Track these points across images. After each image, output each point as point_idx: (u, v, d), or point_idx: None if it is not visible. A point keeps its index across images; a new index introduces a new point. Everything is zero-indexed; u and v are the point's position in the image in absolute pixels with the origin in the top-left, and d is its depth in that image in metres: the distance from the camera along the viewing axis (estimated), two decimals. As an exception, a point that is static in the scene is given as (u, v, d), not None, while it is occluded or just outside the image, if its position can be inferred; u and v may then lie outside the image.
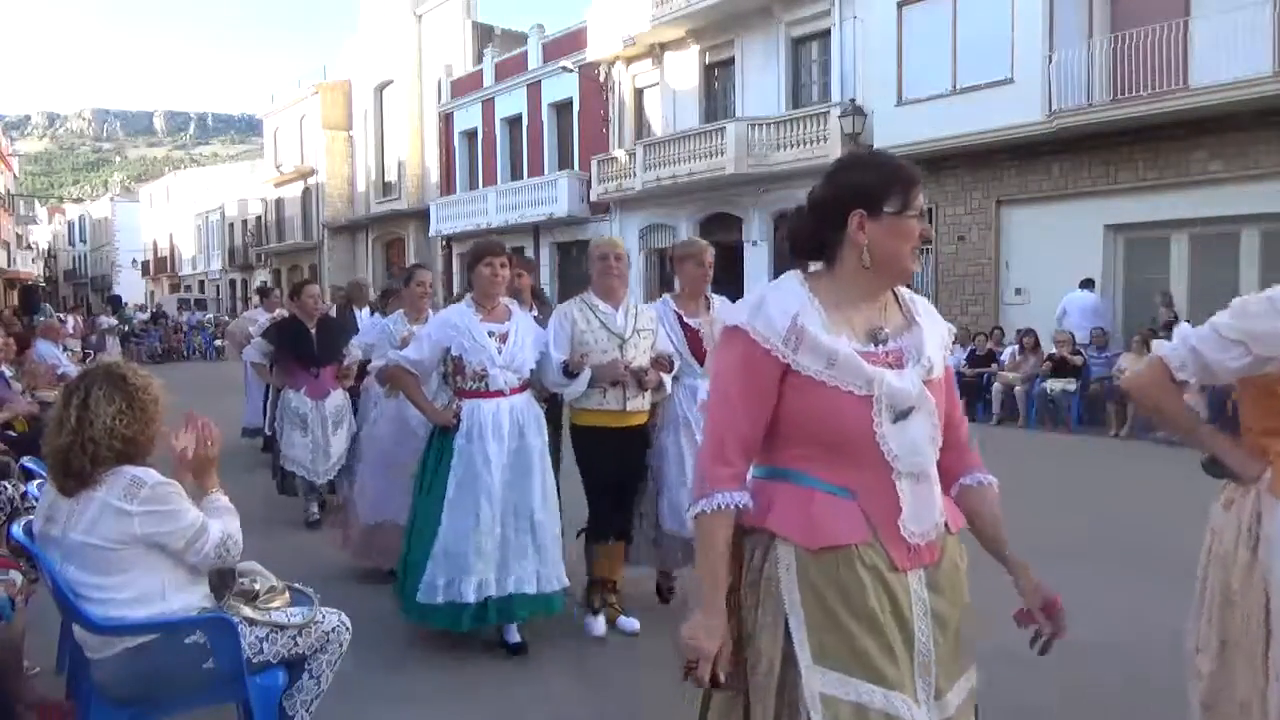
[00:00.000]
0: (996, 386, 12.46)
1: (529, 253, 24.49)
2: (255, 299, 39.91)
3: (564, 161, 23.83)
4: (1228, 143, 11.83)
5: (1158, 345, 2.38)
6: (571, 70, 22.65)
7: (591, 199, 22.04)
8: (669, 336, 4.19)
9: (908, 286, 1.91)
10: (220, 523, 2.59)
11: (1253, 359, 2.10)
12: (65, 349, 14.40)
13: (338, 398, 6.32)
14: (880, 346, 1.73)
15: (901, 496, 1.69)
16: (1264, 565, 2.11)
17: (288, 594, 2.78)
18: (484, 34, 27.93)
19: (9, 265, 37.04)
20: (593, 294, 4.12)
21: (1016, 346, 12.80)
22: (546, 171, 24.02)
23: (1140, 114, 12.16)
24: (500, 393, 3.82)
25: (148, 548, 2.46)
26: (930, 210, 15.75)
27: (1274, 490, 2.13)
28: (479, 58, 27.20)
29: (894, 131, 15.14)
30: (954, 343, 14.73)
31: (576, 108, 23.22)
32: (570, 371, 3.90)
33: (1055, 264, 13.57)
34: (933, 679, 1.70)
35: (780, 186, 17.72)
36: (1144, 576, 4.87)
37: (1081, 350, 12.01)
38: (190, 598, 2.56)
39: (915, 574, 1.70)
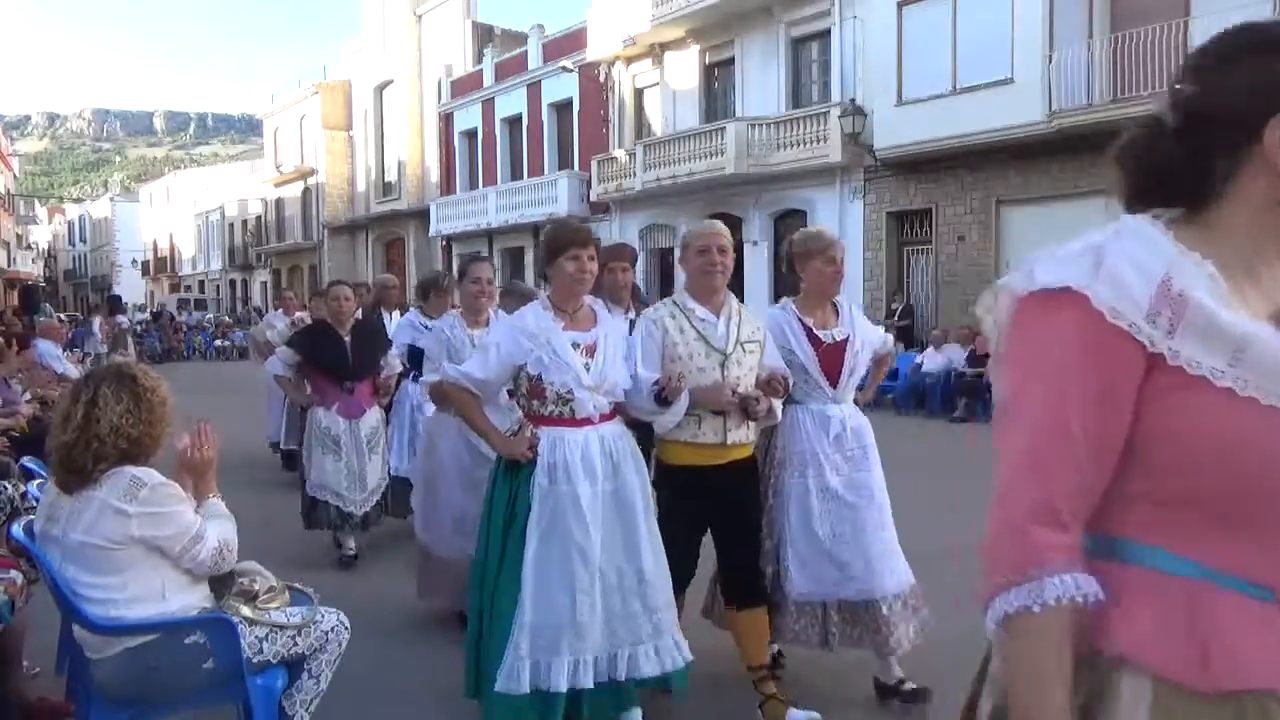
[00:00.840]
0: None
1: (528, 254, 24.51)
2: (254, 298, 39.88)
3: (564, 161, 23.83)
4: (1228, 143, 11.82)
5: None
6: (571, 70, 22.66)
7: (591, 199, 22.04)
8: (796, 351, 3.39)
9: None
10: (217, 529, 2.59)
11: None
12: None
13: (374, 417, 5.46)
14: None
15: None
16: None
17: (287, 594, 2.78)
18: (484, 34, 27.94)
19: (9, 265, 37.06)
20: (688, 295, 3.31)
21: (1016, 347, 12.77)
22: (546, 171, 24.03)
23: (1140, 114, 12.08)
24: (588, 420, 3.01)
25: (147, 549, 2.46)
26: (930, 210, 15.77)
27: None
28: (479, 58, 27.21)
29: (894, 131, 15.16)
30: (955, 343, 14.56)
31: (576, 108, 23.22)
32: (664, 397, 3.07)
33: (1055, 264, 13.56)
34: None
35: (780, 186, 17.75)
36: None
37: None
38: (190, 598, 2.56)
39: None
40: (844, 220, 16.45)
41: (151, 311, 33.62)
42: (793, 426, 3.40)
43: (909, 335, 14.77)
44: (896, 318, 15.00)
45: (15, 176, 46.03)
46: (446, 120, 28.38)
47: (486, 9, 32.20)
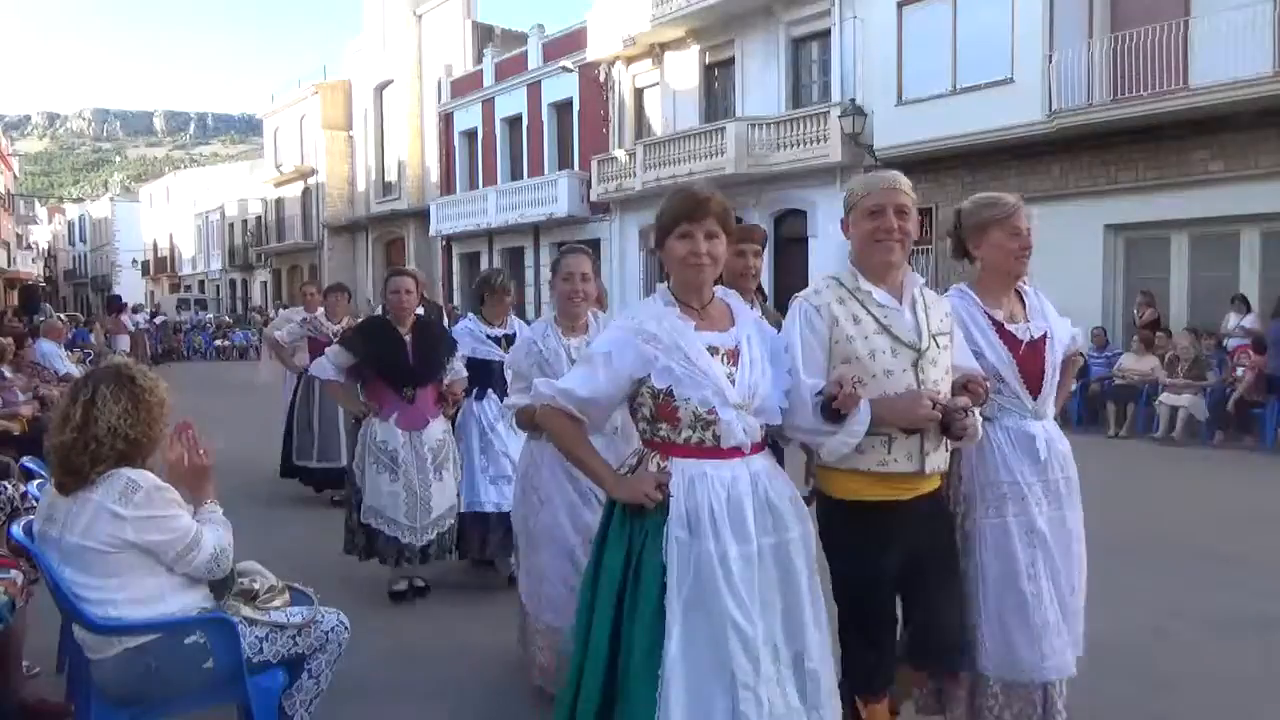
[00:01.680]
0: (997, 386, 12.43)
1: (528, 254, 24.51)
2: (256, 297, 39.80)
3: (564, 161, 23.83)
4: (1228, 143, 11.83)
5: None
6: (571, 70, 22.66)
7: (591, 199, 22.04)
8: (985, 352, 2.68)
9: None
10: (213, 536, 2.59)
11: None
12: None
13: (439, 429, 4.65)
14: None
15: None
16: None
17: (287, 594, 2.78)
18: (484, 34, 27.95)
19: (9, 265, 37.04)
20: (857, 274, 2.49)
21: (1016, 346, 12.77)
22: (546, 171, 24.03)
23: (1140, 114, 12.16)
24: (737, 450, 2.24)
25: (142, 553, 2.46)
26: (930, 210, 15.76)
27: None
28: (479, 58, 27.22)
29: (894, 131, 15.15)
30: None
31: (576, 108, 23.22)
32: (835, 410, 2.28)
33: (1055, 264, 13.55)
34: None
35: (780, 186, 17.74)
36: (1151, 569, 4.87)
37: (1081, 351, 12.00)
38: (190, 598, 2.56)
39: None
40: (844, 220, 16.42)
41: (151, 311, 33.55)
42: (984, 449, 2.62)
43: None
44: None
45: (15, 176, 46.03)
46: (446, 120, 28.39)
47: (486, 9, 32.26)
